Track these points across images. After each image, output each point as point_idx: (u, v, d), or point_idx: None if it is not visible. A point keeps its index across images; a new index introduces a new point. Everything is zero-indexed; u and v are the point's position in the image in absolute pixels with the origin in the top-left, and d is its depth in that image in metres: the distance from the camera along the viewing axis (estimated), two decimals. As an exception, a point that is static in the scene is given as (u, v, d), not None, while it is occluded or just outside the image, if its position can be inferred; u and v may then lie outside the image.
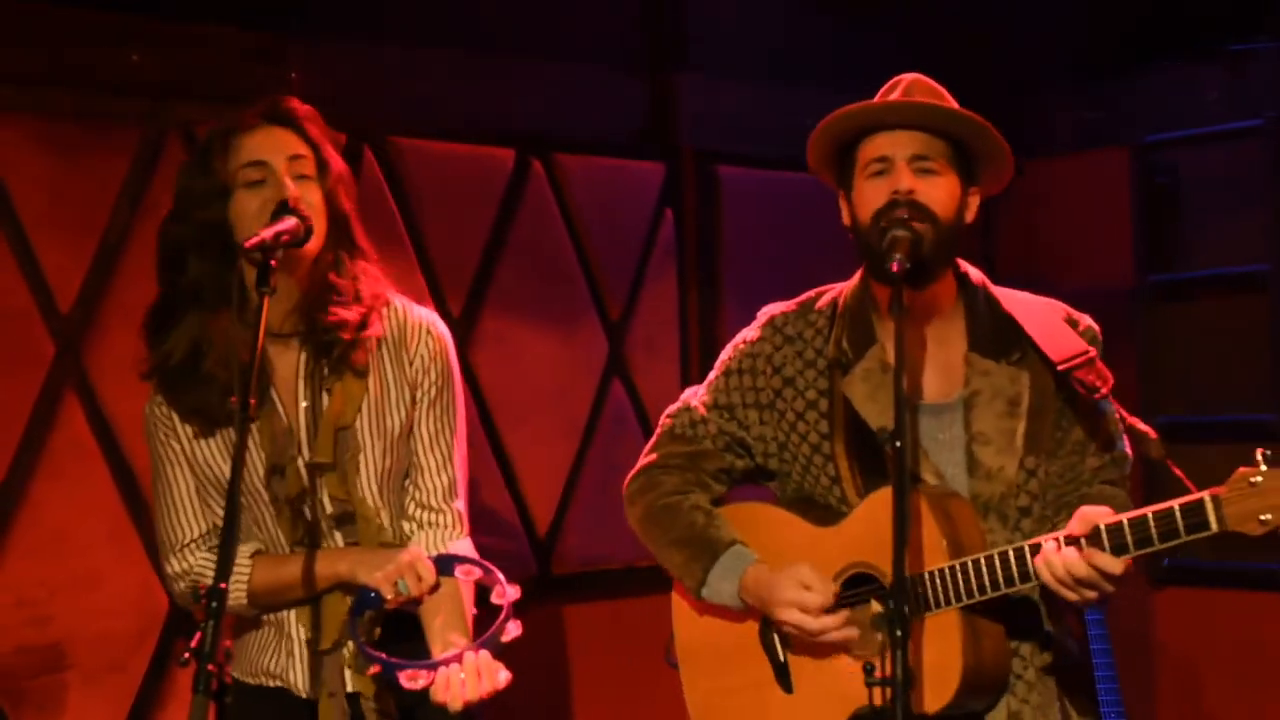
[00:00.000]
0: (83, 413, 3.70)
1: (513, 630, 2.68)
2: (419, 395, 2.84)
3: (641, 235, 4.70)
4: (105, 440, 3.71)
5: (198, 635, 2.28)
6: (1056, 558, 2.43)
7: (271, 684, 2.81)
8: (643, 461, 2.90)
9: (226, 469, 2.78)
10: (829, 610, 2.59)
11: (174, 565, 2.82)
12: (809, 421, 2.74)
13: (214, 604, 2.29)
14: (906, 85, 2.68)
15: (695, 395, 2.89)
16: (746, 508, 2.84)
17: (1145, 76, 4.99)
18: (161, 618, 3.75)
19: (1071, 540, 2.43)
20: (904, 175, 2.60)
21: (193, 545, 2.82)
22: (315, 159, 2.76)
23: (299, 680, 2.79)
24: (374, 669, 2.67)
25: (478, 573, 2.78)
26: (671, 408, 2.92)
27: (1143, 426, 2.64)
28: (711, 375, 2.88)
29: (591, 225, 4.59)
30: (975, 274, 2.77)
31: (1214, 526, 2.34)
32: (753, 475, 2.89)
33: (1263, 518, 2.30)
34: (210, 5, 3.80)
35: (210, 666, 2.26)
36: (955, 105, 2.68)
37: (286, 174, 2.70)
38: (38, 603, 3.61)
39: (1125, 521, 2.40)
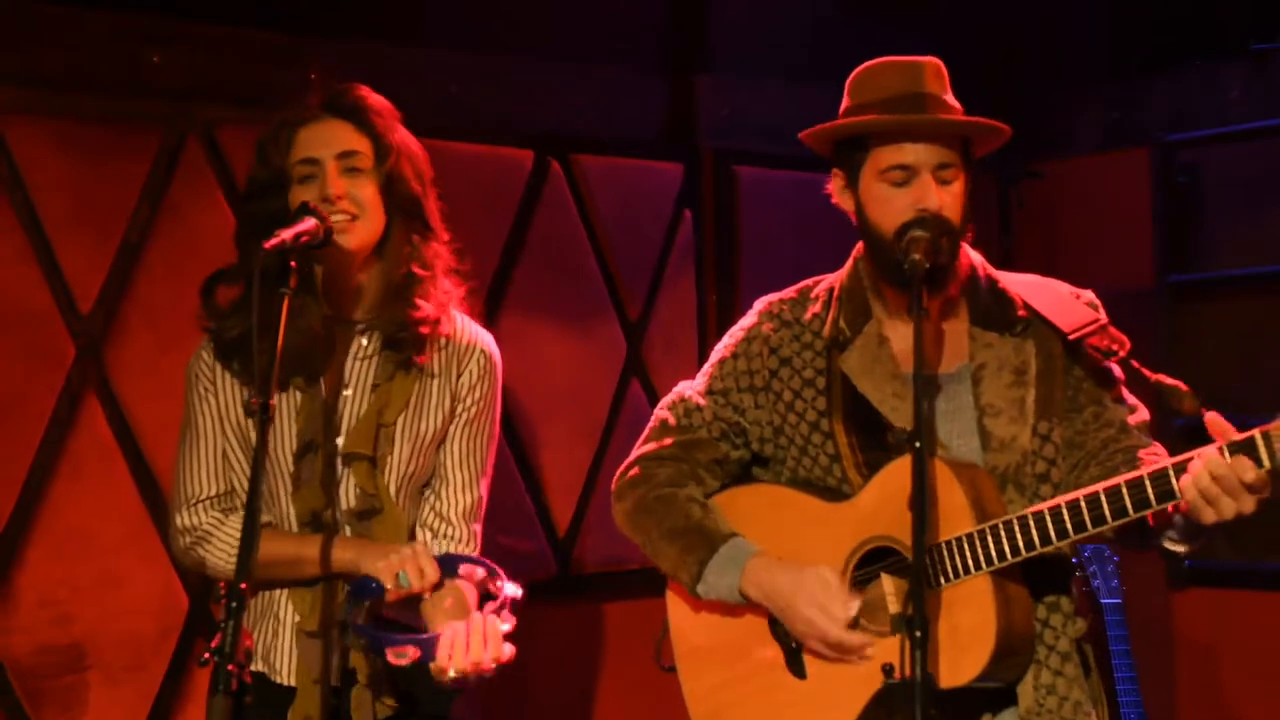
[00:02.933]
0: (103, 413, 3.72)
1: (505, 623, 2.65)
2: (459, 409, 2.87)
3: (660, 235, 4.72)
4: (125, 441, 3.74)
5: (218, 635, 2.29)
6: (1215, 462, 2.37)
7: (253, 668, 2.77)
8: (635, 454, 2.87)
9: (239, 439, 2.82)
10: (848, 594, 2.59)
11: (182, 519, 2.83)
12: (806, 399, 2.74)
13: (234, 604, 2.29)
14: (922, 72, 2.65)
15: (689, 387, 2.87)
16: (744, 491, 2.81)
17: (1166, 76, 4.98)
18: (182, 617, 3.77)
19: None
20: (931, 190, 2.59)
21: (206, 503, 2.82)
22: (373, 149, 2.79)
23: (281, 664, 2.78)
24: (361, 644, 2.65)
25: (481, 572, 2.76)
26: (665, 401, 2.89)
27: (1172, 381, 2.61)
28: (706, 365, 2.87)
29: (610, 225, 4.60)
30: (971, 254, 2.76)
31: (1265, 463, 2.35)
32: (745, 468, 2.86)
33: None
34: (230, 7, 3.82)
35: (230, 666, 2.25)
36: (943, 72, 2.69)
37: (335, 171, 2.74)
38: (59, 603, 3.63)
39: (1166, 470, 2.39)
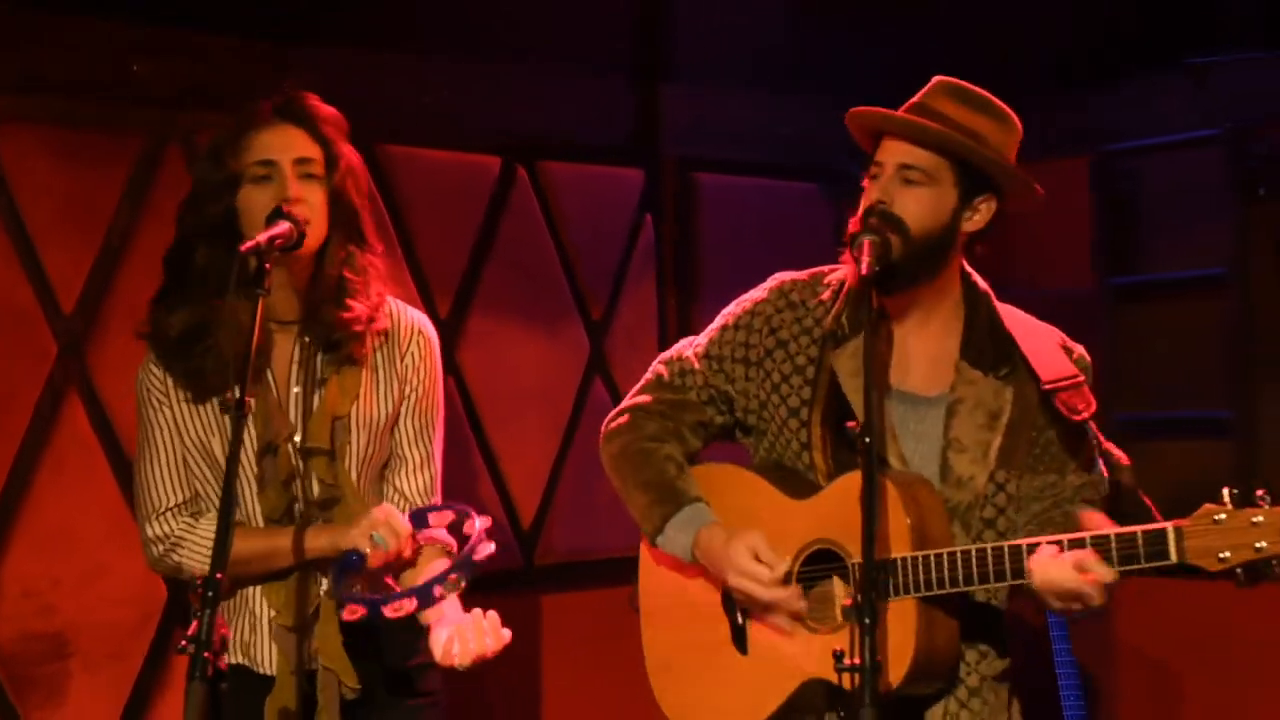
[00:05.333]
0: (84, 410, 3.77)
1: (485, 549, 2.73)
2: (407, 391, 2.92)
3: (622, 239, 4.78)
4: (106, 437, 3.79)
5: (194, 623, 2.33)
6: (1052, 562, 2.44)
7: (232, 661, 2.85)
8: (627, 403, 2.92)
9: (213, 441, 2.83)
10: (783, 582, 2.63)
11: (154, 529, 2.85)
12: (792, 385, 2.76)
13: (210, 593, 2.33)
14: (929, 89, 2.72)
15: (690, 345, 2.91)
16: (721, 468, 2.86)
17: (1107, 89, 5.06)
18: (160, 607, 3.82)
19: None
20: (883, 185, 2.66)
21: (173, 511, 2.84)
22: (324, 157, 2.82)
23: (262, 656, 2.83)
24: (360, 612, 2.69)
25: (450, 515, 2.84)
26: (665, 354, 2.94)
27: (1118, 452, 2.69)
28: (711, 326, 2.90)
29: (574, 229, 4.66)
30: (983, 285, 2.81)
31: (1173, 557, 2.38)
32: (729, 432, 2.91)
33: (1222, 555, 2.34)
34: (210, 15, 3.86)
35: (206, 654, 2.30)
36: (989, 105, 2.71)
37: (293, 175, 2.78)
38: (42, 593, 3.68)
39: (1088, 540, 2.44)
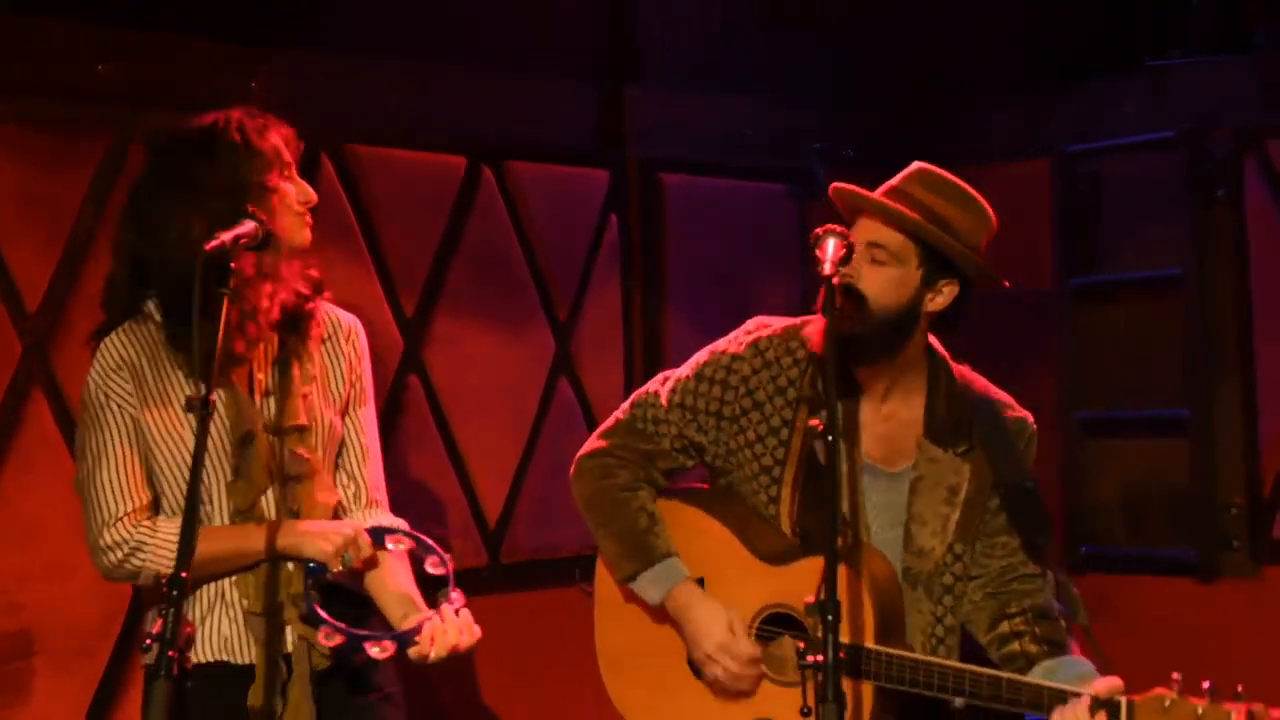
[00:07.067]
0: (49, 408, 3.78)
1: (458, 599, 2.81)
2: (353, 379, 2.99)
3: (588, 239, 4.81)
4: (71, 436, 3.65)
5: (159, 622, 2.34)
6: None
7: (210, 658, 2.83)
8: (599, 444, 3.00)
9: (185, 434, 2.81)
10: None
11: (111, 535, 2.79)
12: (766, 446, 2.86)
13: (175, 591, 2.34)
14: (906, 175, 2.82)
15: (663, 385, 2.97)
16: (686, 511, 2.95)
17: (1068, 90, 5.12)
18: (126, 605, 3.81)
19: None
20: (855, 261, 2.70)
21: (130, 517, 2.81)
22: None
23: (241, 647, 2.84)
24: (339, 640, 2.74)
25: (408, 542, 2.90)
26: (636, 395, 3.01)
27: (1074, 590, 2.82)
28: (683, 372, 2.96)
29: (540, 230, 4.69)
30: (941, 353, 2.89)
31: None
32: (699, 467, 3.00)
33: None
34: (175, 16, 3.88)
35: (171, 652, 2.31)
36: (959, 192, 2.80)
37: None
38: (8, 591, 3.69)
39: (1045, 689, 2.56)
